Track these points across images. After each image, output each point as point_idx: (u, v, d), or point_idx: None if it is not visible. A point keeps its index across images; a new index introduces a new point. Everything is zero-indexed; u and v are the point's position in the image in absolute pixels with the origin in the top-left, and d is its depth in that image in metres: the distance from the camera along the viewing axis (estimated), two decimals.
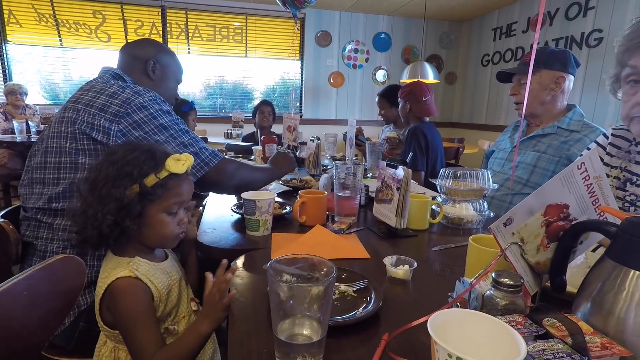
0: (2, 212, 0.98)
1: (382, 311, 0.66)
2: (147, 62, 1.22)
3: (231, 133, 3.94)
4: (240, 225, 1.11)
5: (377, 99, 2.76)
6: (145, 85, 1.16)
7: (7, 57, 4.31)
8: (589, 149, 1.11)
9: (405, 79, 4.00)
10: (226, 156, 1.27)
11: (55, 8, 4.32)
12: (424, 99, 2.16)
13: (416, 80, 2.77)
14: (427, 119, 2.25)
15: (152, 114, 1.02)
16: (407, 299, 0.74)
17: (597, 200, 0.59)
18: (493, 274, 0.55)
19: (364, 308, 0.65)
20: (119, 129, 0.98)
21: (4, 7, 4.17)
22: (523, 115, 1.07)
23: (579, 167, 0.56)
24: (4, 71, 4.31)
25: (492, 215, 1.19)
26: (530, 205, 0.56)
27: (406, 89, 2.23)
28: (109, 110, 0.98)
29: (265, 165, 1.38)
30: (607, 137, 1.07)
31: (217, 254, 0.97)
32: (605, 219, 0.60)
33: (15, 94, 3.74)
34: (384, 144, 2.38)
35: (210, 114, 4.95)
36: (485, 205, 1.18)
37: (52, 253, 0.96)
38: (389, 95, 2.64)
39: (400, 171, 1.05)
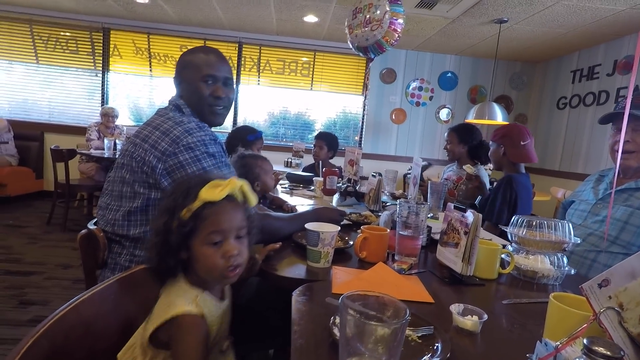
0: (94, 221, 1.09)
1: None
2: (179, 83, 1.22)
3: (291, 162, 4.09)
4: (300, 254, 1.12)
5: (447, 133, 2.69)
6: (186, 104, 1.19)
7: (107, 84, 4.99)
8: None
9: (471, 119, 3.89)
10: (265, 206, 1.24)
11: (151, 43, 4.95)
12: (522, 143, 1.92)
13: (513, 123, 2.62)
14: (523, 167, 2.01)
15: (197, 156, 1.04)
16: (477, 352, 0.68)
17: None
18: (584, 340, 0.49)
19: (431, 357, 0.61)
20: (164, 167, 1.02)
21: (111, 42, 4.92)
22: (617, 167, 0.98)
23: None
24: (102, 95, 4.98)
25: (572, 272, 1.08)
26: (632, 268, 0.51)
27: (501, 131, 2.01)
28: (159, 148, 1.03)
29: (291, 215, 1.35)
30: None
31: (276, 280, 0.99)
32: None
33: (108, 116, 4.30)
34: (446, 183, 2.31)
35: (272, 142, 5.19)
36: (565, 260, 1.08)
37: (120, 266, 1.03)
38: (461, 132, 2.56)
39: (470, 215, 1.00)
